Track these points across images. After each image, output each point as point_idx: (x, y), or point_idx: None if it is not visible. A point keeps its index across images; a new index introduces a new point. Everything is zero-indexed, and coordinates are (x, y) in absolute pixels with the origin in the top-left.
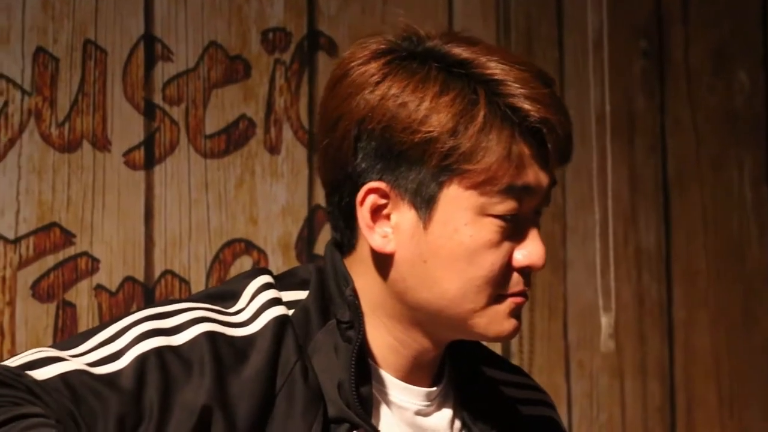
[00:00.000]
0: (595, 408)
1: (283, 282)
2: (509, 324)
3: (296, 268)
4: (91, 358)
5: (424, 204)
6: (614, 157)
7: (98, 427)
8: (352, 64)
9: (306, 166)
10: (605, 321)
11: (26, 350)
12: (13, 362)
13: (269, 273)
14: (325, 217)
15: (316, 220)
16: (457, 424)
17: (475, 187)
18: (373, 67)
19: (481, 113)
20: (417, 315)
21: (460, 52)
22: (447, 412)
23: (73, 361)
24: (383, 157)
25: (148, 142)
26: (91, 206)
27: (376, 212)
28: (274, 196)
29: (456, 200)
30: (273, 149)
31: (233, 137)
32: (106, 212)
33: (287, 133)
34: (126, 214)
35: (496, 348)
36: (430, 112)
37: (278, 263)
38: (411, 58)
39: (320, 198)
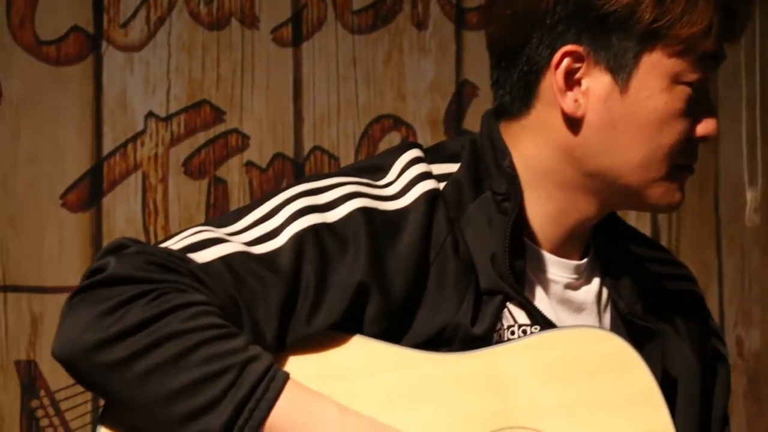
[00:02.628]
0: (747, 283)
1: (433, 155)
2: (678, 195)
3: (446, 141)
4: (248, 236)
5: (623, 69)
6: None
7: (259, 310)
8: None
9: (453, 42)
10: (750, 195)
11: (179, 227)
12: (174, 244)
13: (419, 147)
14: (474, 92)
15: (465, 95)
16: (604, 297)
17: (676, 54)
18: None
19: None
20: (590, 182)
21: None
22: (594, 286)
23: (232, 242)
24: (583, 20)
25: (296, 19)
26: (240, 83)
27: (569, 76)
28: (422, 72)
29: (656, 66)
30: (420, 24)
31: (381, 13)
32: (255, 89)
33: (434, 8)
34: (275, 91)
35: (645, 225)
36: None
37: (426, 139)
38: None
39: (468, 73)
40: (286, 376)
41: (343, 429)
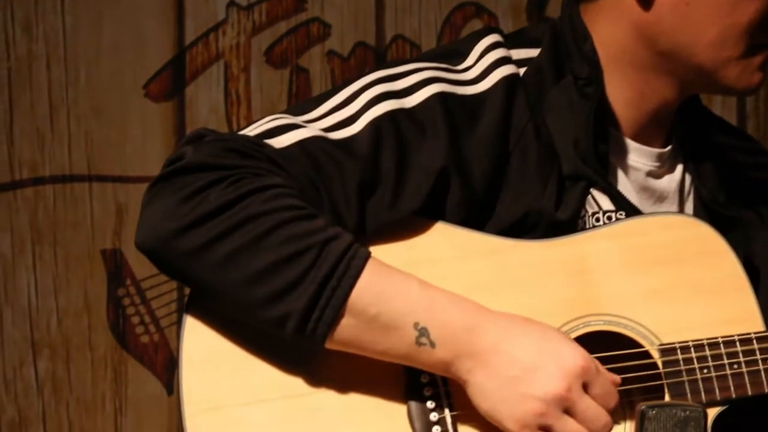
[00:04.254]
0: None
1: (513, 40)
2: (757, 76)
3: (526, 27)
4: (326, 123)
5: None
6: None
7: (337, 194)
8: None
9: None
10: None
11: (261, 116)
12: (252, 131)
13: (499, 32)
14: None
15: None
16: (687, 186)
17: None
18: None
19: None
20: (665, 63)
21: None
22: (677, 175)
23: (309, 128)
24: None
25: None
26: None
27: None
28: None
29: None
30: None
31: None
32: None
33: None
34: None
35: (731, 113)
36: None
37: (508, 27)
38: None
39: None
40: (367, 254)
41: (427, 304)
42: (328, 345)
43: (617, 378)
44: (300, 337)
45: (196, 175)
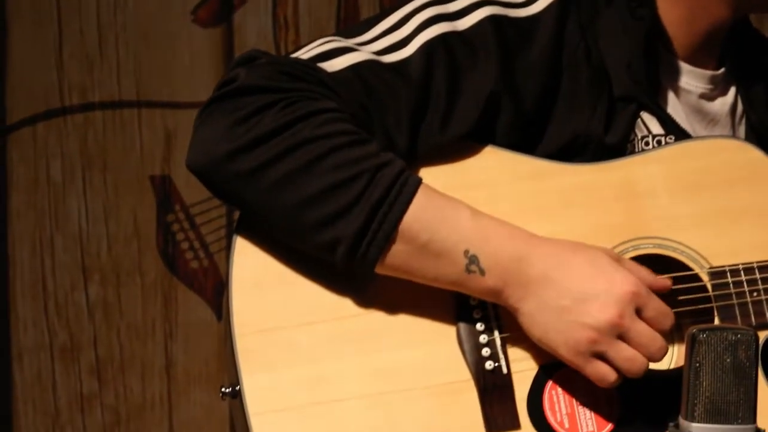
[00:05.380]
0: None
1: None
2: None
3: None
4: (378, 46)
5: None
6: None
7: (389, 118)
8: None
9: None
10: None
11: (309, 41)
12: (304, 54)
13: None
14: None
15: None
16: (739, 110)
17: None
18: None
19: None
20: None
21: None
22: (729, 98)
23: (362, 51)
24: None
25: None
26: None
27: None
28: None
29: None
30: None
31: None
32: None
33: None
34: None
35: None
36: None
37: None
38: None
39: None
40: (419, 181)
41: (477, 231)
42: (378, 270)
43: (668, 282)
44: (350, 263)
45: (250, 98)
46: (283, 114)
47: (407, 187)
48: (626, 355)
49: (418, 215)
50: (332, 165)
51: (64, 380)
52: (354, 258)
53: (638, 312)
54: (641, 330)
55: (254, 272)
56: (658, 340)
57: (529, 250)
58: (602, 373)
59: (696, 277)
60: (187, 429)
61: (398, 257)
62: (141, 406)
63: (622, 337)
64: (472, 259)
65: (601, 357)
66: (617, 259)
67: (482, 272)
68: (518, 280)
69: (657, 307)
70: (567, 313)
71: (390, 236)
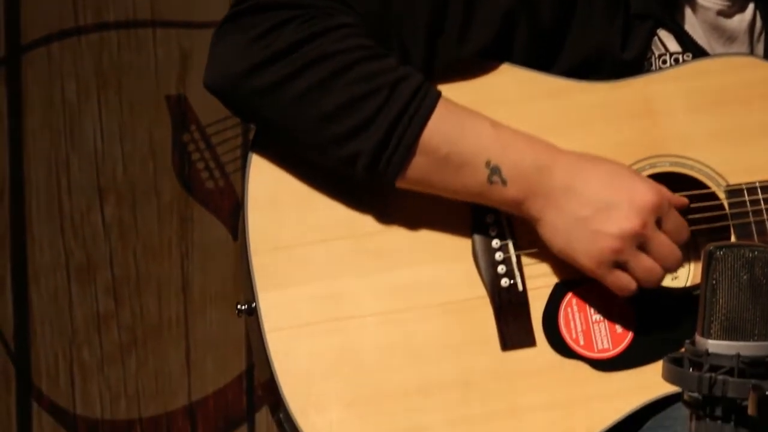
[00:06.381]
0: None
1: None
2: None
3: None
4: None
5: None
6: None
7: (406, 32)
8: None
9: None
10: None
11: None
12: None
13: None
14: None
15: None
16: (758, 28)
17: None
18: None
19: None
20: None
21: None
22: (748, 15)
23: None
24: None
25: None
26: None
27: None
28: None
29: None
30: None
31: None
32: None
33: None
34: None
35: None
36: None
37: None
38: None
39: None
40: (438, 94)
41: (499, 142)
42: (399, 184)
43: (685, 200)
44: (371, 176)
45: (267, 14)
46: (301, 30)
47: (427, 100)
48: (646, 265)
49: (439, 127)
50: (351, 79)
51: (81, 300)
52: (375, 171)
53: (658, 223)
54: (662, 241)
55: (270, 189)
56: (676, 251)
57: (551, 160)
58: (623, 282)
59: (712, 195)
60: (203, 347)
61: (419, 170)
62: (157, 325)
63: (642, 247)
64: (494, 170)
65: (621, 267)
66: (640, 174)
67: (504, 182)
68: (540, 190)
69: (676, 219)
70: (589, 222)
71: (411, 149)
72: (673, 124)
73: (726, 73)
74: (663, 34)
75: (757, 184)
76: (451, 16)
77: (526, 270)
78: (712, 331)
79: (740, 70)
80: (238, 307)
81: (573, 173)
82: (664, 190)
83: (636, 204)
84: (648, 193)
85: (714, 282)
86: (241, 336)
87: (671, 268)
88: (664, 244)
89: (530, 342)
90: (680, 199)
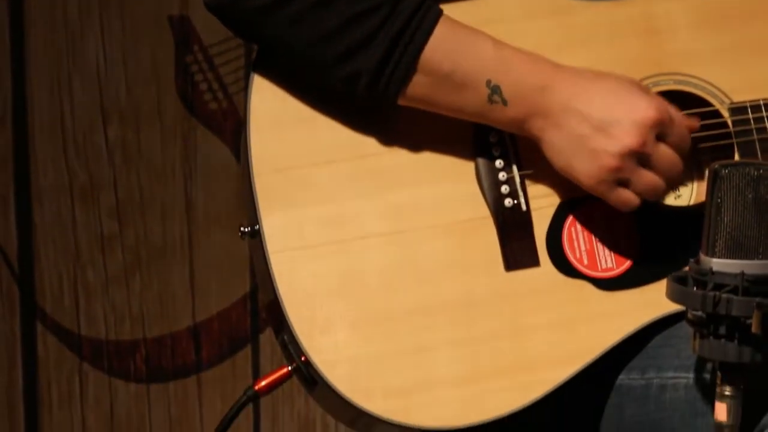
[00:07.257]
0: None
1: None
2: None
3: None
4: None
5: None
6: None
7: None
8: None
9: None
10: None
11: None
12: None
13: None
14: None
15: None
16: None
17: None
18: None
19: None
20: None
21: None
22: None
23: None
24: None
25: None
26: None
27: None
28: None
29: None
30: None
31: None
32: None
33: None
34: None
35: None
36: None
37: None
38: None
39: None
40: (440, 12)
41: (500, 61)
42: (401, 102)
43: (695, 123)
44: (372, 95)
45: None
46: None
47: (428, 18)
48: (648, 180)
49: (440, 45)
50: None
51: (84, 221)
52: (376, 90)
53: (660, 138)
54: (663, 155)
55: (272, 111)
56: (678, 164)
57: (552, 80)
58: (625, 199)
59: (716, 113)
60: (207, 269)
61: (420, 88)
62: (161, 246)
63: (644, 163)
64: (494, 90)
65: (623, 184)
66: (644, 89)
67: (504, 102)
68: (540, 110)
69: (679, 132)
70: (589, 140)
71: (411, 67)
72: (676, 41)
73: None
74: None
75: (761, 102)
76: None
77: (530, 190)
78: (716, 249)
79: None
80: (241, 229)
81: (573, 92)
82: (666, 105)
83: (636, 121)
84: (649, 109)
85: (719, 200)
86: (245, 257)
87: (674, 183)
88: (665, 158)
89: (534, 262)
90: (690, 120)
